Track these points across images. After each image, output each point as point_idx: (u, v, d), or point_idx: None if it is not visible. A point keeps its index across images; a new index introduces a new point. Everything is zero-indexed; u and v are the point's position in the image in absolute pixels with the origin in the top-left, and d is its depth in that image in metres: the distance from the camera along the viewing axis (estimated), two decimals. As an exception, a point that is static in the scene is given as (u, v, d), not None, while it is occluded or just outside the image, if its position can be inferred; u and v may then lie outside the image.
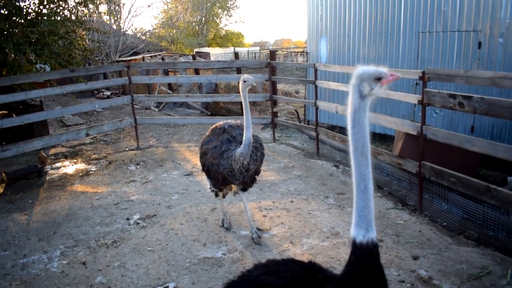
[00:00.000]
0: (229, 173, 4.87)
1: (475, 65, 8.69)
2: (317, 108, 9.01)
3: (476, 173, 7.78)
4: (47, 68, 10.02)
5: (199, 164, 8.62)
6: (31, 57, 9.42)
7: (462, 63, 8.94)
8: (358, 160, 2.08)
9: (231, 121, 5.46)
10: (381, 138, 10.41)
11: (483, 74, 5.09)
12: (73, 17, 10.29)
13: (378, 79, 2.04)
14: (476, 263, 4.57)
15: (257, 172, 5.25)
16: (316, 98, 8.99)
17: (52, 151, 10.29)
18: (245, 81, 4.84)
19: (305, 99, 13.27)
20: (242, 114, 14.72)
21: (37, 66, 9.79)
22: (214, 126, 5.41)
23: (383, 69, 2.05)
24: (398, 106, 10.03)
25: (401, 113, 9.84)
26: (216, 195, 5.57)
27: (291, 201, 6.49)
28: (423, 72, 5.75)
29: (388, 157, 6.73)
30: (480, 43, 8.58)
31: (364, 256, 1.92)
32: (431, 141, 5.75)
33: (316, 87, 8.96)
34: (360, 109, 2.09)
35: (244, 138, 4.77)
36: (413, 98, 6.05)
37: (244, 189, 5.38)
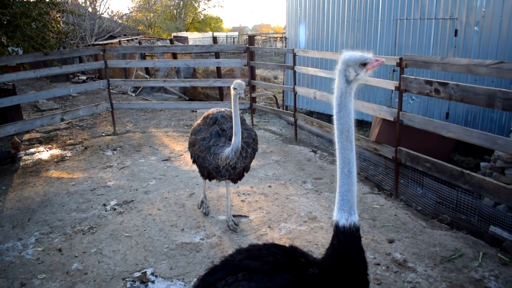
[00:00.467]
0: (214, 169, 4.73)
1: (451, 53, 8.81)
2: (295, 94, 9.02)
3: (451, 158, 7.95)
4: (20, 51, 9.76)
5: (177, 149, 8.62)
6: (2, 40, 9.14)
7: (439, 50, 9.05)
8: (343, 144, 2.07)
9: (224, 109, 5.20)
10: (358, 124, 10.45)
11: (459, 61, 5.17)
12: (47, -1, 10.01)
13: (364, 64, 2.06)
14: (449, 246, 4.69)
15: (246, 169, 5.05)
16: (295, 84, 8.99)
17: (26, 136, 10.07)
18: (235, 88, 4.55)
19: (283, 84, 13.26)
20: (220, 99, 14.67)
21: (9, 49, 9.52)
22: (207, 113, 5.15)
23: (368, 55, 2.08)
24: (376, 92, 10.12)
25: (379, 99, 9.94)
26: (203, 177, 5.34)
27: (269, 186, 6.52)
28: (401, 59, 5.80)
29: (365, 142, 6.81)
30: (456, 31, 8.69)
31: (347, 239, 1.96)
32: (408, 127, 5.83)
33: (294, 72, 8.96)
34: (346, 94, 2.08)
35: (232, 143, 4.56)
36: (390, 84, 6.11)
37: (233, 181, 5.16)
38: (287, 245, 2.28)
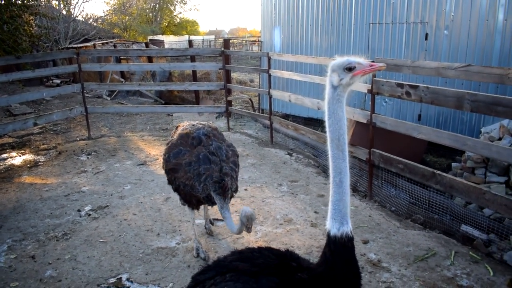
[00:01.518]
0: (205, 198, 4.14)
1: (422, 56, 9.01)
2: (270, 97, 9.07)
3: (423, 159, 8.11)
4: (-9, 55, 9.54)
5: (152, 153, 8.56)
6: (-28, 43, 8.95)
7: (410, 54, 9.24)
8: (334, 152, 2.05)
9: (201, 125, 4.64)
10: (333, 127, 10.61)
11: (429, 64, 5.29)
12: (19, 1, 9.83)
13: (349, 69, 2.02)
14: (422, 245, 4.79)
15: (236, 190, 4.38)
16: (270, 87, 9.04)
17: (-2, 141, 9.86)
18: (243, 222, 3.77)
19: (259, 88, 13.31)
20: (196, 103, 14.55)
21: (-21, 52, 9.30)
22: (182, 130, 4.57)
23: (358, 60, 2.03)
24: (349, 95, 10.24)
25: (353, 102, 10.07)
26: (183, 204, 4.63)
27: (245, 189, 6.54)
28: (373, 62, 5.90)
29: (340, 145, 6.88)
30: (427, 35, 8.89)
31: (338, 249, 1.95)
32: (381, 129, 5.93)
33: (269, 76, 9.01)
34: (333, 100, 2.06)
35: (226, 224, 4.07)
36: (363, 87, 6.21)
37: None
38: (283, 249, 2.29)
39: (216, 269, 2.20)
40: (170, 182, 4.46)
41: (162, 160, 4.63)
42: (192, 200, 4.33)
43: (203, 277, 2.22)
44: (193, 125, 4.64)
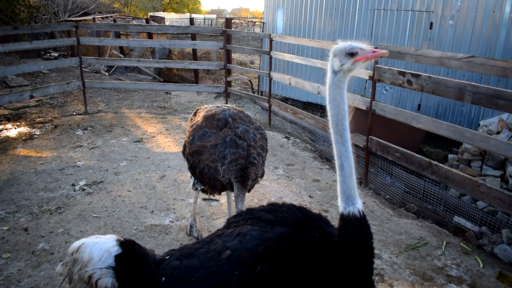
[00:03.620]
0: (228, 183, 3.96)
1: (426, 45, 8.94)
2: (270, 79, 9.00)
3: (420, 149, 8.12)
4: (-12, 24, 9.41)
5: (149, 130, 8.52)
6: (-31, 11, 8.81)
7: (414, 42, 9.17)
8: (334, 136, 2.08)
9: (227, 106, 4.44)
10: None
11: (432, 54, 5.24)
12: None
13: (351, 54, 2.00)
14: (414, 234, 4.81)
15: (262, 174, 4.18)
16: (270, 69, 8.97)
17: (-7, 112, 9.79)
18: None
19: (259, 69, 13.22)
20: (195, 82, 14.48)
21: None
22: (206, 112, 4.32)
23: (360, 45, 2.00)
24: (350, 81, 10.19)
25: (353, 88, 10.02)
26: (195, 189, 4.44)
27: (241, 171, 6.52)
28: (375, 48, 5.84)
29: (338, 131, 6.86)
30: (431, 24, 8.81)
31: (345, 227, 2.03)
32: (380, 117, 5.91)
33: (270, 58, 8.93)
34: (333, 85, 2.06)
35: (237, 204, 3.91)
36: (364, 74, 6.16)
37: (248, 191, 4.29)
38: (317, 212, 2.39)
39: (245, 215, 2.35)
40: (193, 166, 4.15)
41: (185, 144, 4.35)
42: (216, 184, 4.09)
43: (233, 219, 2.39)
44: (218, 106, 4.42)
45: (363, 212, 2.05)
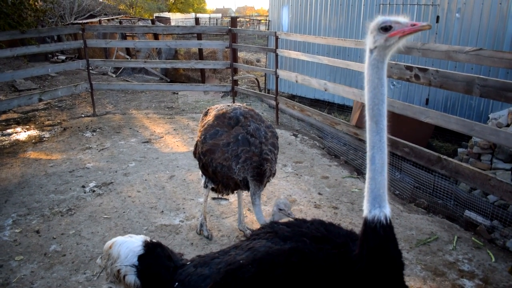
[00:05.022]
0: (242, 181, 3.97)
1: (432, 39, 8.87)
2: (277, 77, 8.99)
3: (429, 144, 8.06)
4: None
5: (157, 131, 8.55)
6: (-23, 17, 8.87)
7: (420, 36, 9.09)
8: (368, 124, 1.86)
9: (237, 105, 4.47)
10: (339, 108, 10.58)
11: (439, 48, 5.21)
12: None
13: (384, 29, 1.79)
14: (425, 229, 4.79)
15: (274, 174, 4.18)
16: (277, 67, 8.96)
17: (3, 117, 9.86)
18: (281, 209, 3.61)
19: (265, 67, 13.22)
20: (202, 81, 14.49)
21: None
22: (217, 111, 4.33)
23: (396, 18, 1.79)
24: (357, 77, 10.17)
25: (360, 84, 9.97)
26: (205, 186, 4.46)
27: (250, 170, 6.53)
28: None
29: (346, 127, 6.85)
30: (438, 17, 8.74)
31: (367, 235, 1.76)
32: (388, 112, 5.86)
33: (276, 55, 8.92)
34: (369, 65, 1.86)
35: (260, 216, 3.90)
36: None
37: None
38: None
39: (266, 229, 2.26)
40: (205, 165, 4.13)
41: (197, 143, 4.35)
42: (229, 183, 4.08)
43: (255, 232, 2.31)
44: (229, 105, 4.44)
45: (390, 220, 1.77)
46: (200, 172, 4.43)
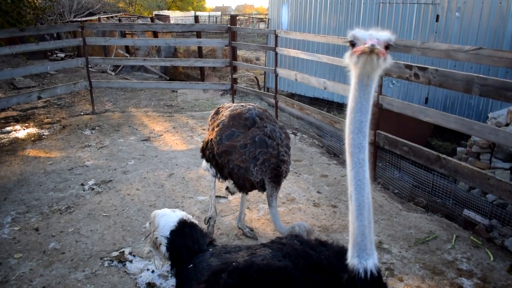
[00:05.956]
0: (258, 183, 3.93)
1: (432, 38, 8.88)
2: (276, 76, 8.99)
3: (428, 143, 8.08)
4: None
5: (156, 129, 8.55)
6: (-24, 14, 8.87)
7: (420, 35, 9.11)
8: (346, 154, 1.61)
9: (247, 104, 4.39)
10: (339, 107, 10.57)
11: (439, 46, 5.21)
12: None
13: (352, 44, 1.56)
14: (423, 228, 4.79)
15: (286, 174, 4.10)
16: (276, 65, 8.95)
17: (2, 114, 9.85)
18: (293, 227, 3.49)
19: (265, 66, 13.20)
20: (201, 80, 14.47)
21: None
22: (231, 111, 4.23)
23: (362, 34, 1.54)
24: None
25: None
26: (217, 177, 4.38)
27: (249, 168, 6.53)
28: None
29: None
30: (438, 16, 8.74)
31: (348, 284, 1.56)
32: (387, 111, 5.88)
33: (276, 54, 8.92)
34: (351, 86, 1.61)
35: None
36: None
37: None
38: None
39: (279, 239, 2.25)
40: (221, 166, 4.07)
41: (208, 142, 4.24)
42: (245, 184, 4.04)
43: (275, 239, 2.27)
44: (242, 105, 4.35)
45: (372, 272, 1.52)
46: (208, 164, 4.37)
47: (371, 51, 1.45)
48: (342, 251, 1.91)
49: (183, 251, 2.44)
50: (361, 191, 1.57)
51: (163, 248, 2.55)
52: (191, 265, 2.30)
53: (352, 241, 1.57)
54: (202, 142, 4.47)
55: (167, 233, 2.54)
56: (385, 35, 1.55)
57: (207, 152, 4.27)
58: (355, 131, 1.57)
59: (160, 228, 2.59)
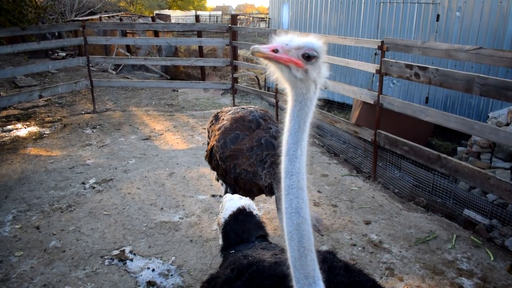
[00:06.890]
0: (267, 187, 3.76)
1: (433, 37, 8.88)
2: (277, 75, 8.97)
3: (428, 142, 8.08)
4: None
5: (157, 128, 8.55)
6: (-23, 13, 8.88)
7: (421, 35, 9.10)
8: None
9: (248, 107, 4.28)
10: (339, 107, 10.58)
11: (439, 46, 5.21)
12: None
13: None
14: (424, 228, 4.80)
15: None
16: (277, 65, 8.93)
17: (3, 113, 9.86)
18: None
19: (266, 65, 13.19)
20: (202, 79, 14.46)
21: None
22: (234, 114, 4.10)
23: (276, 39, 1.44)
24: (357, 75, 10.17)
25: (360, 82, 9.99)
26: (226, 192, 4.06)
27: (250, 167, 6.54)
28: (382, 42, 5.82)
29: (345, 125, 6.86)
30: (438, 16, 8.74)
31: None
32: (387, 111, 5.88)
33: (277, 53, 8.89)
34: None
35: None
36: (371, 67, 6.14)
37: None
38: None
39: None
40: (226, 171, 3.85)
41: (212, 148, 4.03)
42: (253, 189, 3.85)
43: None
44: (243, 108, 4.23)
45: None
46: (214, 173, 4.19)
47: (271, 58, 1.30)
48: (335, 261, 1.89)
49: (231, 236, 2.56)
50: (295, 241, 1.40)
51: (220, 229, 2.71)
52: (233, 251, 2.39)
53: None
54: (206, 151, 4.32)
55: (226, 216, 2.68)
56: (301, 40, 1.33)
57: (213, 160, 4.07)
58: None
59: (224, 211, 2.74)
